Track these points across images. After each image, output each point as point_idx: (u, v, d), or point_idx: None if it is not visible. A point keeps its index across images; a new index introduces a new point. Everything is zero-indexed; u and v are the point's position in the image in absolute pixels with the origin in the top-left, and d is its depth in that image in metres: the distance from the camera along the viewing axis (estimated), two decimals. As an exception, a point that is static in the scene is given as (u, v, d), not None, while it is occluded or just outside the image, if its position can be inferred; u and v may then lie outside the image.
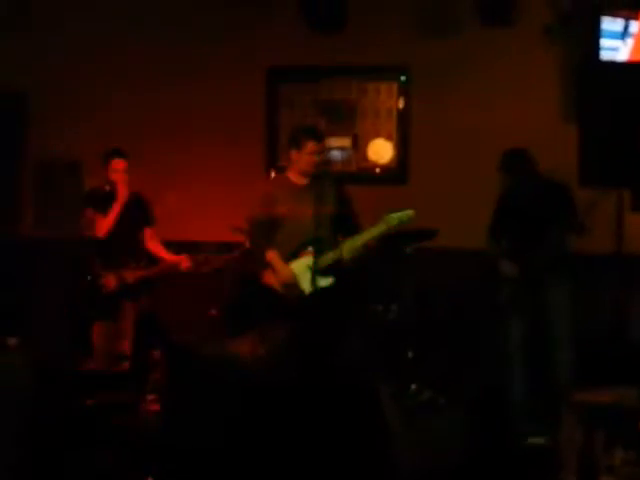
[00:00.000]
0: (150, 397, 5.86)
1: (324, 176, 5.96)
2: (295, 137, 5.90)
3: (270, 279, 5.92)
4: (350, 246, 5.73)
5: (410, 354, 6.44)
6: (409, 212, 5.70)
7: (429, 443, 5.28)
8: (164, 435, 5.01)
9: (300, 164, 5.85)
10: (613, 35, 7.00)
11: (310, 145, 5.81)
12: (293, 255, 5.83)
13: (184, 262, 6.59)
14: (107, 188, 6.59)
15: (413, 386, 6.27)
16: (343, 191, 6.00)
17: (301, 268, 5.77)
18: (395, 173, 7.61)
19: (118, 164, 6.57)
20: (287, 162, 6.04)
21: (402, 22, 7.50)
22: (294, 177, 5.91)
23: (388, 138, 7.64)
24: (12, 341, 5.57)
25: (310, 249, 5.72)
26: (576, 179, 5.78)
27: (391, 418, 4.93)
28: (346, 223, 5.91)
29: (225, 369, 5.13)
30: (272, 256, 5.93)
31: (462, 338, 6.80)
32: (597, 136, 5.64)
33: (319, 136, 5.96)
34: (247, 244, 6.48)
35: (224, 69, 7.73)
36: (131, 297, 6.55)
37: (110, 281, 6.46)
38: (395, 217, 5.70)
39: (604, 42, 7.00)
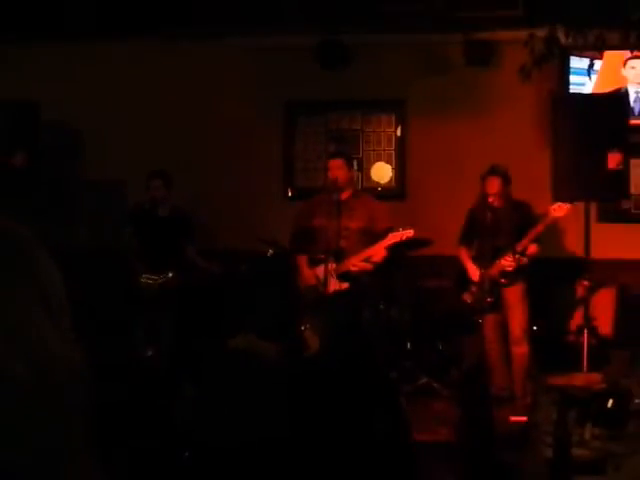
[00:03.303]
0: (187, 384, 5.85)
1: (359, 195, 6.01)
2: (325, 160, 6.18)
3: (299, 279, 5.97)
4: (356, 259, 5.78)
5: (409, 345, 6.44)
6: (409, 232, 5.74)
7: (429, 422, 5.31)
8: (198, 420, 4.98)
9: (328, 180, 6.03)
10: (580, 72, 7.00)
11: (330, 162, 6.07)
12: (319, 261, 5.87)
13: (217, 269, 6.59)
14: (146, 206, 6.61)
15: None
16: (375, 208, 6.02)
17: (323, 272, 5.79)
18: (395, 191, 7.59)
19: (154, 183, 6.59)
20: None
21: (399, 63, 7.52)
22: (334, 194, 5.96)
23: (388, 161, 7.65)
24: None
25: (328, 257, 5.76)
26: (550, 195, 5.79)
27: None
28: (371, 236, 5.91)
29: (252, 362, 5.08)
30: (299, 260, 5.99)
31: (453, 332, 6.78)
32: (567, 158, 5.63)
33: (334, 154, 6.22)
34: (268, 253, 6.48)
35: (250, 103, 7.72)
36: (172, 299, 6.55)
37: (152, 285, 6.46)
38: (395, 235, 5.75)
39: (572, 78, 7.01)
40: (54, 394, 1.05)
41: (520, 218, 6.12)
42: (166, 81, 7.84)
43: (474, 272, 6.20)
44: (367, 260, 5.87)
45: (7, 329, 1.02)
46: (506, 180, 6.17)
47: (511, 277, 6.07)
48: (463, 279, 6.29)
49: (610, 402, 4.11)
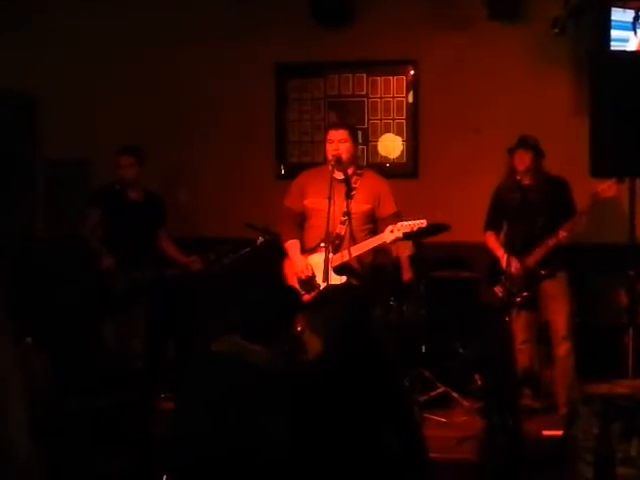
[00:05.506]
0: (163, 395, 5.84)
1: (362, 172, 5.95)
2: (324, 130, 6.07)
3: (287, 269, 5.89)
4: (357, 249, 5.70)
5: (423, 348, 6.42)
6: (420, 222, 5.66)
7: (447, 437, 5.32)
8: (177, 433, 4.97)
9: (327, 155, 5.85)
10: (623, 26, 6.95)
11: (330, 133, 5.86)
12: (312, 249, 5.81)
13: (195, 263, 6.55)
14: (117, 187, 6.57)
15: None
16: (381, 188, 5.94)
17: (317, 262, 5.72)
18: (406, 167, 7.56)
19: (125, 161, 6.56)
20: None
21: (410, 16, 7.48)
22: (333, 170, 5.79)
23: (398, 133, 7.61)
24: (27, 341, 5.55)
25: (324, 245, 5.67)
26: (587, 170, 5.75)
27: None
28: (376, 222, 5.86)
29: (240, 366, 5.06)
30: (289, 246, 5.91)
31: (474, 331, 6.76)
32: (608, 127, 5.58)
33: (336, 124, 6.05)
34: (258, 241, 6.44)
35: (233, 65, 7.71)
36: (142, 297, 6.52)
37: (120, 281, 6.43)
38: (404, 226, 5.66)
39: (614, 33, 6.96)
40: None
41: (556, 197, 6.12)
42: (136, 41, 7.81)
43: (508, 261, 6.16)
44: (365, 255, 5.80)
45: None
46: (538, 154, 6.17)
47: (552, 266, 6.08)
48: (494, 269, 6.27)
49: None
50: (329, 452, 4.12)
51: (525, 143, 6.15)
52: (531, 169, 6.16)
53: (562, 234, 6.01)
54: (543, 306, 6.20)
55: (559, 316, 6.13)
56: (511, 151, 6.21)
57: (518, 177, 6.17)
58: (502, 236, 6.36)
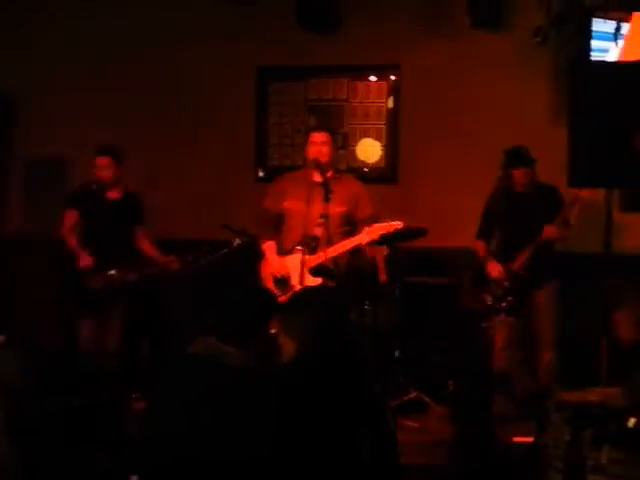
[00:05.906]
0: (136, 395, 5.85)
1: (339, 176, 5.99)
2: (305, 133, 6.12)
3: (264, 270, 5.93)
4: (333, 250, 5.74)
5: (397, 353, 6.46)
6: (397, 224, 5.70)
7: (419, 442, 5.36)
8: (150, 434, 4.99)
9: (308, 157, 5.90)
10: (604, 37, 7.01)
11: (313, 135, 5.91)
12: (289, 250, 5.85)
13: (173, 263, 6.57)
14: (94, 187, 6.58)
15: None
16: (358, 192, 5.99)
17: (293, 264, 5.76)
18: (384, 173, 7.61)
19: (101, 161, 6.56)
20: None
21: (393, 22, 7.51)
22: (312, 173, 5.91)
23: (377, 138, 7.66)
24: (1, 339, 5.56)
25: (300, 247, 5.71)
26: (565, 179, 5.82)
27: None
28: (352, 225, 5.91)
29: (215, 367, 5.09)
30: (266, 247, 5.97)
31: (449, 337, 6.81)
32: (587, 136, 5.63)
33: (318, 127, 6.15)
34: (235, 243, 6.46)
35: (214, 67, 7.73)
36: (119, 297, 6.53)
37: (97, 281, 6.43)
38: (380, 227, 5.71)
39: (595, 43, 7.02)
40: None
41: (547, 205, 6.22)
42: (116, 39, 7.81)
43: (493, 268, 6.26)
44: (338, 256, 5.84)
45: None
46: (534, 166, 6.27)
47: (540, 276, 6.16)
48: (481, 275, 6.34)
49: (631, 421, 4.14)
50: (302, 454, 4.15)
51: (523, 161, 6.23)
52: (530, 182, 6.28)
53: (548, 230, 6.09)
54: (529, 315, 6.28)
55: (544, 327, 6.24)
56: (508, 167, 6.28)
57: (515, 188, 6.27)
58: (494, 244, 6.45)
